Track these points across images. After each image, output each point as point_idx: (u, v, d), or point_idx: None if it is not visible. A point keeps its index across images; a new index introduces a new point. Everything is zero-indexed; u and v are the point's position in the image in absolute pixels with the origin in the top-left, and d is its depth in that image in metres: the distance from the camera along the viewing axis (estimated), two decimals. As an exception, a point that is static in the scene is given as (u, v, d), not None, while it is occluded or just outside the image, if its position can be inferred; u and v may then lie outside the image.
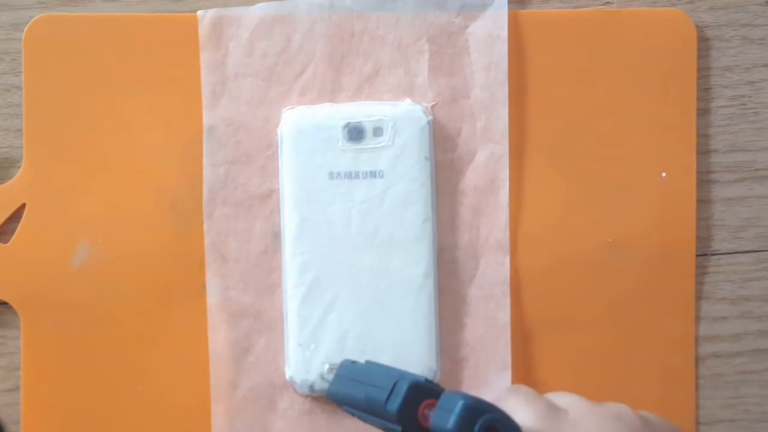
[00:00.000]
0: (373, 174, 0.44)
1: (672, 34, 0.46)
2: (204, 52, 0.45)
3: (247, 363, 0.45)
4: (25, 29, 0.45)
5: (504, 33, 0.45)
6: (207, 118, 0.45)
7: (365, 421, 0.38)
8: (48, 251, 0.45)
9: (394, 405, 0.35)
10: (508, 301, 0.45)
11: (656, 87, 0.46)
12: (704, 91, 0.46)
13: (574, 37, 0.46)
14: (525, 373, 0.46)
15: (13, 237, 0.45)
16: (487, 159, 0.45)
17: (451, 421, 0.33)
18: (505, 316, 0.45)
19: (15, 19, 0.45)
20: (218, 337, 0.45)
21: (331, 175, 0.44)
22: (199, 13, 0.45)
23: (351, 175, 0.44)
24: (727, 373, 0.47)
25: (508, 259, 0.45)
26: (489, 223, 0.45)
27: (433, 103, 0.45)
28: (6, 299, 0.45)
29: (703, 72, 0.46)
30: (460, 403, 0.33)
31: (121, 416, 0.45)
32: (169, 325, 0.45)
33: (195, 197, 0.45)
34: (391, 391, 0.35)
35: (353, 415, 0.39)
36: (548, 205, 0.46)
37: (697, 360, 0.46)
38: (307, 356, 0.44)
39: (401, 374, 0.36)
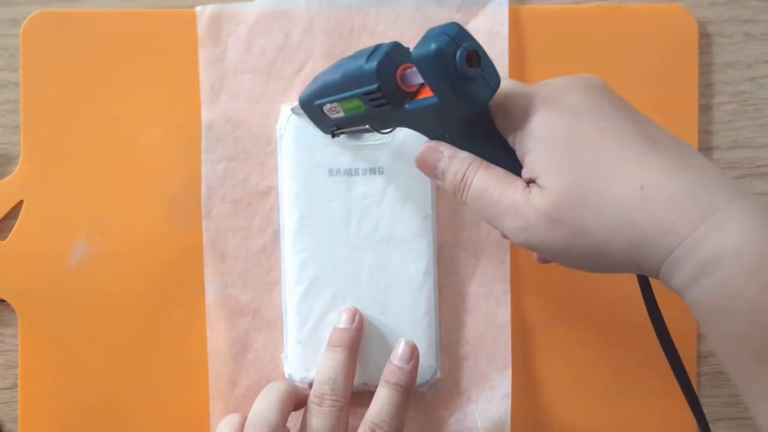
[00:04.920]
0: (372, 171, 0.44)
1: (673, 30, 0.46)
2: (203, 48, 0.45)
3: (246, 361, 0.45)
4: (23, 25, 0.45)
5: (505, 29, 0.45)
6: (206, 114, 0.45)
7: (335, 109, 0.38)
8: (46, 248, 0.45)
9: (373, 62, 0.35)
10: (508, 298, 0.45)
11: (657, 83, 0.46)
12: (706, 87, 0.46)
13: (575, 33, 0.45)
14: (525, 370, 0.45)
15: (11, 234, 0.45)
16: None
17: (437, 42, 0.32)
18: (505, 313, 0.45)
19: (13, 15, 0.45)
20: (217, 335, 0.45)
21: (330, 172, 0.43)
22: (198, 8, 0.45)
23: (350, 172, 0.43)
24: (728, 370, 0.46)
25: (508, 257, 0.45)
26: (489, 220, 0.45)
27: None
28: (3, 296, 0.45)
29: (705, 68, 0.46)
30: (453, 27, 0.32)
31: (119, 414, 0.45)
32: (168, 323, 0.45)
33: (193, 194, 0.45)
34: (371, 54, 0.35)
35: (322, 107, 0.39)
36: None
37: (699, 357, 0.46)
38: (306, 354, 0.43)
39: (380, 44, 0.36)
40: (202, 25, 0.45)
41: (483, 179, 0.35)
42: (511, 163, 0.34)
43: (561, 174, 0.32)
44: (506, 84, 0.35)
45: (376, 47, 0.36)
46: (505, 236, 0.35)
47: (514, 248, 0.45)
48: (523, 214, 0.33)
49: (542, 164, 0.33)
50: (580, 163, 0.32)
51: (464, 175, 0.35)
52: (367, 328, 0.43)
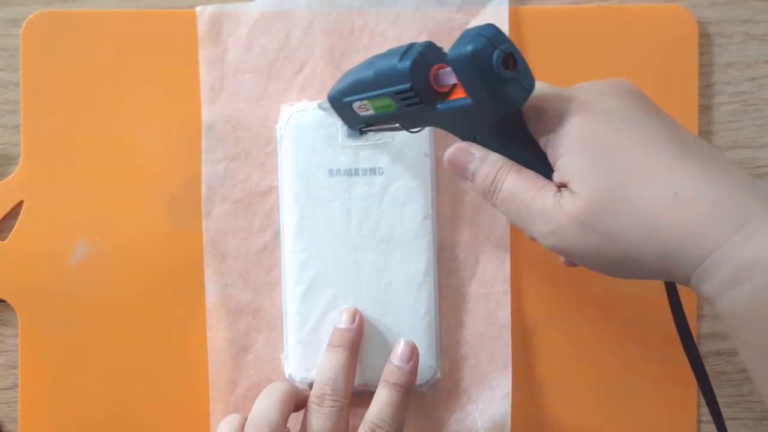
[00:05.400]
0: (372, 171, 0.43)
1: (673, 30, 0.46)
2: (203, 48, 0.45)
3: (246, 361, 0.45)
4: (23, 25, 0.45)
5: (505, 29, 0.45)
6: (206, 114, 0.45)
7: (365, 107, 0.38)
8: (46, 248, 0.45)
9: (407, 61, 0.34)
10: (508, 299, 0.45)
11: (657, 83, 0.46)
12: (706, 88, 0.46)
13: (575, 33, 0.45)
14: (525, 370, 0.45)
15: (11, 234, 0.45)
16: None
17: (474, 44, 0.32)
18: (505, 314, 0.45)
19: (13, 15, 0.45)
20: (217, 335, 0.45)
21: (330, 172, 0.43)
22: (198, 8, 0.45)
23: (351, 172, 0.43)
24: (729, 371, 0.46)
25: (508, 257, 0.45)
26: (489, 220, 0.45)
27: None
28: (4, 297, 0.45)
29: (705, 68, 0.46)
30: (490, 29, 0.32)
31: (120, 414, 0.45)
32: (168, 323, 0.45)
33: (193, 194, 0.45)
34: (405, 53, 0.35)
35: (352, 104, 0.39)
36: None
37: (699, 358, 0.46)
38: (306, 354, 0.43)
39: (414, 43, 0.36)
40: (202, 25, 0.45)
41: (514, 182, 0.35)
42: (542, 166, 0.34)
43: (593, 179, 0.32)
44: (539, 86, 0.35)
45: (410, 46, 0.35)
46: (532, 239, 0.35)
47: (514, 249, 0.45)
48: (554, 218, 0.33)
49: (575, 169, 0.32)
50: (613, 168, 0.32)
51: (495, 177, 0.35)
52: (368, 328, 0.43)
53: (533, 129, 0.35)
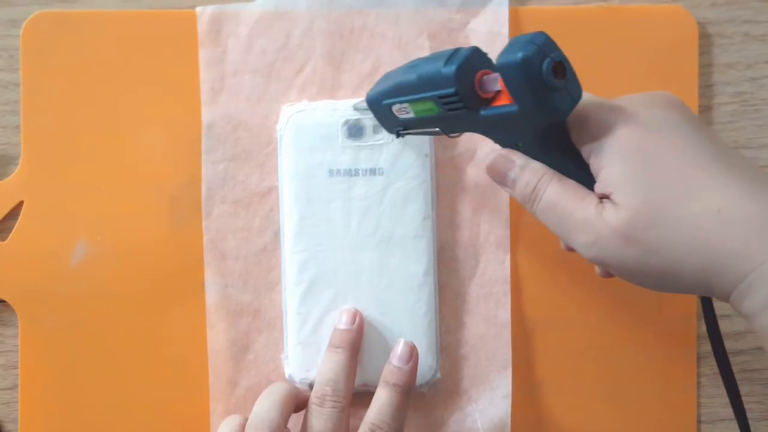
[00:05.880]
0: (372, 171, 0.43)
1: (673, 31, 0.46)
2: (203, 48, 0.45)
3: (247, 361, 0.45)
4: (23, 25, 0.45)
5: (505, 29, 0.45)
6: (206, 114, 0.45)
7: (405, 110, 0.37)
8: (46, 249, 0.45)
9: (453, 66, 0.34)
10: (508, 299, 0.45)
11: (657, 83, 0.46)
12: (706, 88, 0.46)
13: (574, 34, 0.45)
14: (525, 371, 0.45)
15: (11, 234, 0.45)
16: (488, 156, 0.45)
17: (524, 51, 0.32)
18: (505, 314, 0.45)
19: (13, 15, 0.45)
20: (217, 335, 0.45)
21: (330, 173, 0.43)
22: (198, 9, 0.45)
23: (351, 173, 0.43)
24: (728, 371, 0.46)
25: (508, 257, 0.45)
26: (489, 220, 0.45)
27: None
28: (4, 297, 0.45)
29: (705, 68, 0.46)
30: (541, 37, 0.32)
31: (120, 414, 0.45)
32: (168, 324, 0.45)
33: (194, 195, 0.45)
34: (450, 57, 0.35)
35: (391, 106, 0.38)
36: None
37: (699, 358, 0.46)
38: (306, 354, 0.43)
39: (459, 48, 0.35)
40: (202, 26, 0.45)
41: (555, 192, 0.35)
42: (583, 176, 0.34)
43: (637, 192, 0.32)
44: (584, 96, 0.34)
45: (455, 51, 0.35)
46: (569, 248, 0.35)
47: (514, 249, 0.45)
48: (595, 229, 0.33)
49: (618, 180, 0.32)
50: (657, 182, 0.32)
51: (536, 186, 0.35)
52: (368, 328, 0.43)
53: (576, 138, 0.35)
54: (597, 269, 0.38)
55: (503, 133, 0.36)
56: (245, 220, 0.45)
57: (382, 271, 0.44)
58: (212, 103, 0.45)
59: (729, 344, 0.46)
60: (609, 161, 0.33)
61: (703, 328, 0.46)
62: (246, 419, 0.40)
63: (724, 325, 0.46)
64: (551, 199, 0.35)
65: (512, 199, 0.45)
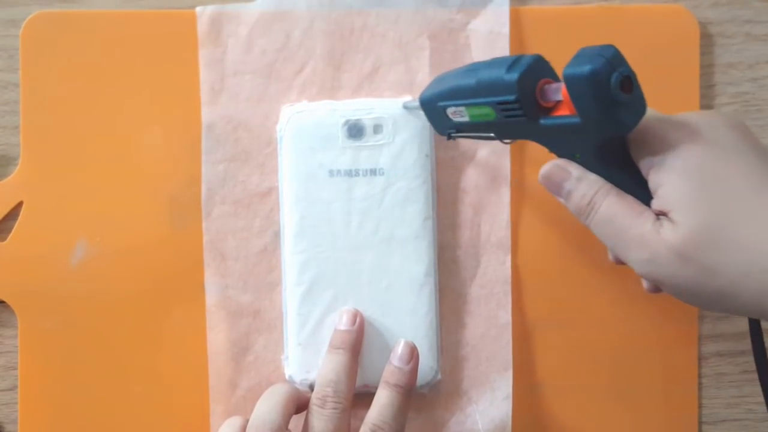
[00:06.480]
0: (373, 171, 0.43)
1: (674, 31, 0.45)
2: (203, 48, 0.45)
3: (247, 362, 0.45)
4: (23, 25, 0.45)
5: (506, 29, 0.45)
6: (206, 115, 0.45)
7: (460, 113, 0.37)
8: (45, 249, 0.45)
9: (516, 73, 0.34)
10: (509, 299, 0.45)
11: (658, 83, 0.45)
12: (707, 88, 0.46)
13: (575, 33, 0.45)
14: (526, 371, 0.45)
15: (11, 235, 0.45)
16: (488, 157, 0.45)
17: (593, 64, 0.32)
18: (506, 315, 0.45)
19: (12, 15, 0.45)
20: (217, 336, 0.44)
21: (331, 173, 0.43)
22: (198, 9, 0.45)
23: (351, 173, 0.43)
24: (730, 372, 0.46)
25: (509, 258, 0.45)
26: (490, 221, 0.45)
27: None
28: (3, 297, 0.45)
29: (706, 69, 0.46)
30: (610, 50, 0.32)
31: (119, 415, 0.45)
32: (168, 325, 0.45)
33: (193, 195, 0.45)
34: (513, 64, 0.35)
35: (446, 109, 0.38)
36: (549, 204, 0.45)
37: (700, 359, 0.46)
38: (306, 355, 0.43)
39: (522, 55, 0.35)
40: (202, 26, 0.44)
41: (612, 206, 0.34)
42: (639, 191, 0.34)
43: (697, 212, 0.32)
44: (647, 111, 0.34)
45: (518, 58, 0.35)
46: (618, 261, 0.35)
47: (515, 250, 0.45)
48: (651, 246, 0.33)
49: (678, 199, 0.32)
50: (718, 202, 0.32)
51: (592, 199, 0.35)
52: (368, 329, 0.43)
53: (635, 153, 0.35)
54: (644, 284, 0.38)
55: (561, 143, 0.36)
56: (245, 220, 0.45)
57: (382, 271, 0.43)
58: (212, 103, 0.45)
59: (731, 345, 0.46)
60: (669, 178, 0.33)
61: (705, 329, 0.46)
62: (247, 421, 0.40)
63: (725, 326, 0.46)
64: (608, 213, 0.34)
65: (512, 200, 0.45)
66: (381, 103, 0.44)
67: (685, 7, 0.46)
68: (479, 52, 0.45)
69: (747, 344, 0.46)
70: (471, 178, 0.45)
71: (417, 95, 0.44)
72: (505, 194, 0.45)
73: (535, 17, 0.45)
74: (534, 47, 0.45)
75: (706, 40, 0.46)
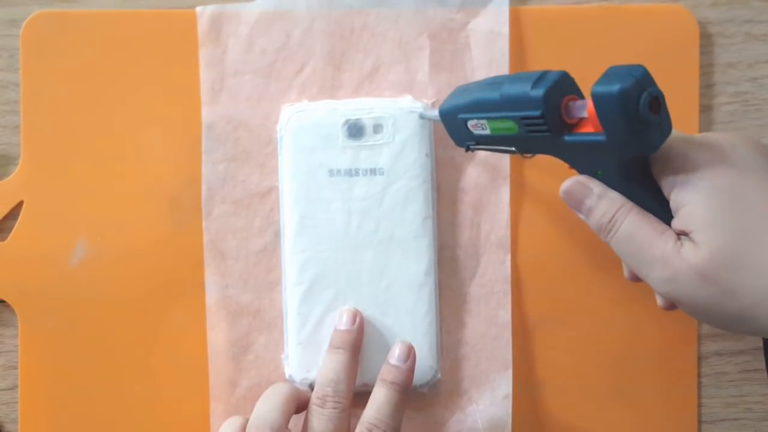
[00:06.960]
0: (373, 171, 0.43)
1: (674, 30, 0.45)
2: (203, 48, 0.45)
3: (247, 362, 0.45)
4: (23, 25, 0.45)
5: (505, 29, 0.45)
6: (206, 114, 0.45)
7: (481, 126, 0.37)
8: (46, 249, 0.45)
9: (541, 89, 0.34)
10: (509, 299, 0.45)
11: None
12: (706, 88, 0.46)
13: (575, 33, 0.45)
14: (526, 371, 0.45)
15: (11, 235, 0.45)
16: (488, 156, 0.45)
17: (622, 83, 0.31)
18: (506, 314, 0.45)
19: (13, 15, 0.45)
20: (217, 335, 0.44)
21: (331, 173, 0.43)
22: (198, 9, 0.45)
23: (351, 173, 0.43)
24: (729, 371, 0.46)
25: (509, 257, 0.45)
26: (490, 220, 0.45)
27: (434, 100, 0.45)
28: (3, 297, 0.45)
29: (706, 68, 0.46)
30: (639, 70, 0.32)
31: (120, 415, 0.45)
32: (168, 324, 0.45)
33: (194, 195, 0.45)
34: (538, 80, 0.35)
35: (467, 121, 0.38)
36: (549, 204, 0.45)
37: (700, 358, 0.46)
38: (306, 355, 0.43)
39: (547, 71, 0.35)
40: (202, 26, 0.45)
41: (633, 224, 0.34)
42: (661, 210, 0.34)
43: (719, 232, 0.32)
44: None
45: (544, 74, 0.35)
46: (635, 279, 0.35)
47: (515, 249, 0.45)
48: (673, 266, 0.33)
49: (700, 219, 0.32)
50: (740, 224, 0.32)
51: (613, 216, 0.35)
52: (368, 329, 0.43)
53: (658, 172, 0.35)
54: (659, 300, 0.38)
55: (584, 159, 0.36)
56: (245, 220, 0.45)
57: (382, 271, 0.44)
58: (212, 103, 0.45)
59: (729, 344, 0.46)
60: (692, 198, 0.33)
61: (704, 328, 0.46)
62: (247, 420, 0.40)
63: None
64: (629, 231, 0.34)
65: (512, 199, 0.45)
66: (381, 103, 0.44)
67: (684, 7, 0.46)
68: (479, 52, 0.45)
69: (745, 344, 0.46)
70: (471, 178, 0.45)
71: (417, 95, 0.45)
72: (504, 194, 0.45)
73: (535, 17, 0.45)
74: (534, 47, 0.45)
75: (706, 40, 0.46)
